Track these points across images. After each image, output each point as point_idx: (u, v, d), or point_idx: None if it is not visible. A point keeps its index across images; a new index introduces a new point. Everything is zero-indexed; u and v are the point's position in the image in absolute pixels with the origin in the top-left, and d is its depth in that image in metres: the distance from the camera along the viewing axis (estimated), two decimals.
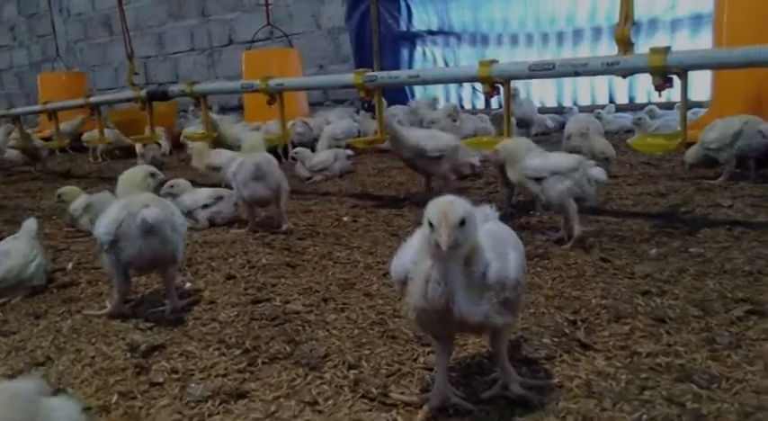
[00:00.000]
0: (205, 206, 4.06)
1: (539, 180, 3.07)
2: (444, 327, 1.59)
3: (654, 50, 3.13)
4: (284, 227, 3.80)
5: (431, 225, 1.43)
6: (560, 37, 8.29)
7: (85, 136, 8.42)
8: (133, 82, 6.31)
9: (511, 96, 3.85)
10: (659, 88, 3.16)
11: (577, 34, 8.16)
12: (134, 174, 2.72)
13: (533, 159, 3.12)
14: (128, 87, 6.53)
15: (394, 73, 4.49)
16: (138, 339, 2.23)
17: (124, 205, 2.45)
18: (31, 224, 3.12)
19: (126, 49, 7.01)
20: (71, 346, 2.30)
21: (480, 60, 3.68)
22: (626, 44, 3.33)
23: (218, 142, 6.12)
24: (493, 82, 3.63)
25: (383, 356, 2.02)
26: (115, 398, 1.88)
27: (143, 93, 5.84)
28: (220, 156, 4.93)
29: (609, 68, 3.31)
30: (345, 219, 4.04)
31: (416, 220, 3.76)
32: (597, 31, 8.00)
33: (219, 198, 4.08)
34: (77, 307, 2.73)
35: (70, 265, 3.37)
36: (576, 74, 3.44)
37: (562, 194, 3.02)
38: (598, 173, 3.09)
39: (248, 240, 3.65)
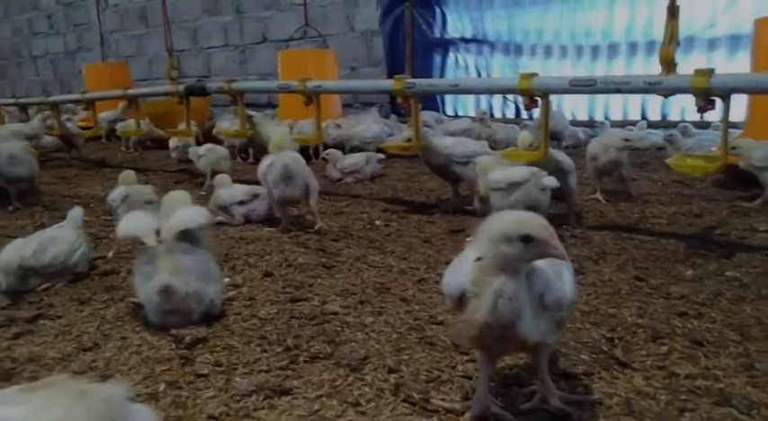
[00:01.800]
0: (241, 202, 4.12)
1: (496, 190, 3.45)
2: (501, 345, 1.62)
3: (698, 72, 3.13)
4: (317, 226, 3.87)
5: (526, 239, 1.46)
6: (595, 50, 8.25)
7: (120, 126, 8.57)
8: (172, 76, 6.42)
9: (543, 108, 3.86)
10: (702, 110, 3.17)
11: (612, 49, 8.12)
12: (179, 197, 2.77)
13: (495, 172, 3.49)
14: (164, 80, 6.65)
15: (433, 81, 4.55)
16: (183, 331, 2.29)
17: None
18: (76, 213, 3.22)
19: (166, 43, 7.14)
20: (117, 334, 2.38)
21: (521, 73, 3.71)
22: (669, 64, 3.34)
23: (253, 140, 6.21)
24: (532, 95, 3.66)
25: (422, 362, 2.06)
26: (162, 386, 1.94)
27: (181, 87, 5.93)
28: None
29: (651, 87, 3.32)
30: (378, 222, 4.09)
31: (448, 228, 3.85)
32: (633, 47, 7.96)
33: (255, 196, 4.15)
34: (120, 295, 2.80)
35: (111, 254, 3.46)
36: (618, 91, 3.45)
37: (507, 205, 3.31)
38: (549, 181, 3.35)
39: (283, 239, 3.71)
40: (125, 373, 2.04)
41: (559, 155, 3.76)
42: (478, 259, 1.56)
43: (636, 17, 7.91)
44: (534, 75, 3.67)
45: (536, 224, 1.51)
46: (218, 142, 7.08)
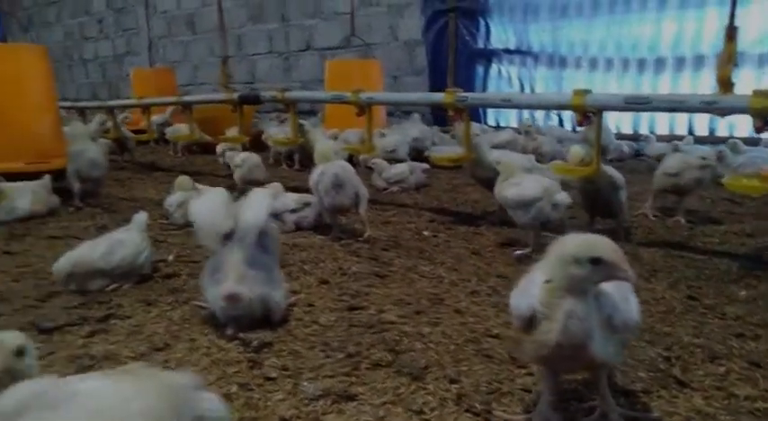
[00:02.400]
0: (293, 210, 4.24)
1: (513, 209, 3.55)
2: (569, 364, 1.68)
3: (756, 93, 3.13)
4: (366, 235, 3.96)
5: (595, 261, 1.53)
6: (641, 64, 8.21)
7: (169, 131, 8.82)
8: (227, 84, 6.61)
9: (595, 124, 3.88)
10: (759, 131, 3.16)
11: (659, 63, 8.07)
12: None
13: (509, 188, 3.54)
14: (208, 86, 6.86)
15: (485, 95, 4.64)
16: (250, 335, 2.39)
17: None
18: (141, 217, 3.36)
19: (223, 52, 7.36)
20: (185, 335, 2.49)
21: (575, 89, 3.74)
22: (726, 84, 3.34)
23: (302, 147, 6.35)
24: (585, 111, 3.69)
25: (481, 374, 2.12)
26: (235, 388, 2.04)
27: (235, 95, 6.10)
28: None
29: (707, 107, 3.33)
30: (426, 233, 4.16)
31: (496, 240, 3.90)
32: (680, 61, 7.89)
33: (307, 204, 4.26)
34: (184, 298, 2.92)
35: (171, 257, 3.60)
36: (673, 110, 3.48)
37: (527, 222, 3.49)
38: (562, 198, 3.43)
39: (334, 247, 3.80)
40: (198, 374, 2.14)
41: (611, 170, 3.78)
42: (547, 281, 1.62)
43: (684, 31, 7.84)
44: (588, 91, 3.70)
45: (606, 247, 1.57)
46: (265, 148, 7.26)
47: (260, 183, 5.31)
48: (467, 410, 1.89)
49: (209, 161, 7.91)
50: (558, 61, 8.96)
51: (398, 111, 10.53)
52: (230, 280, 2.46)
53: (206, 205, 2.70)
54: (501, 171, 3.72)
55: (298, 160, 7.14)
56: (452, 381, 2.06)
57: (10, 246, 3.95)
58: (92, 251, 3.05)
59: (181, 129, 8.41)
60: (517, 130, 7.56)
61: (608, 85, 8.38)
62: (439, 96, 4.50)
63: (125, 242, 3.14)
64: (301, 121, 6.24)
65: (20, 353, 1.35)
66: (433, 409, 1.90)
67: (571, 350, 1.57)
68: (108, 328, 2.59)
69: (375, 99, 5.01)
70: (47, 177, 4.83)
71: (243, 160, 5.59)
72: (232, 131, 7.42)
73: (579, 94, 3.67)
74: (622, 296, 1.64)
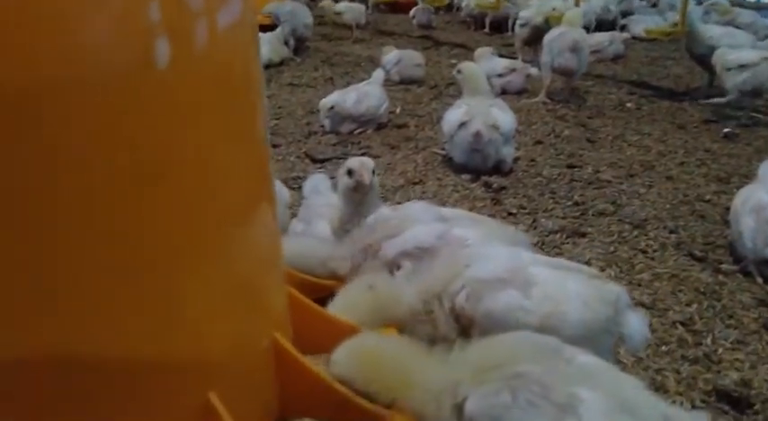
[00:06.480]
0: (500, 75, 4.54)
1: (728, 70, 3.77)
2: None
3: None
4: (567, 97, 4.29)
5: None
6: None
7: None
8: None
9: None
10: None
11: None
12: (477, 73, 3.22)
13: (729, 53, 3.79)
14: None
15: None
16: (490, 179, 2.88)
17: (467, 111, 2.97)
18: (379, 74, 3.89)
19: None
20: (432, 175, 3.03)
21: None
22: None
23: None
24: None
25: (696, 229, 2.46)
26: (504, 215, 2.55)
27: None
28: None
29: None
30: (629, 105, 4.32)
31: (701, 117, 4.02)
32: None
33: (513, 70, 4.54)
34: (421, 145, 3.45)
35: (398, 110, 4.12)
36: None
37: (739, 85, 3.70)
38: None
39: (541, 111, 4.11)
40: (452, 203, 2.68)
41: None
42: None
43: None
44: None
45: None
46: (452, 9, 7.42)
47: (361, 27, 6.92)
48: (686, 254, 2.26)
49: (400, 20, 8.23)
50: None
51: None
52: (478, 122, 2.92)
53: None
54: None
55: (488, 24, 7.28)
56: (671, 232, 2.43)
57: None
58: (344, 99, 3.63)
59: None
60: None
61: None
62: None
63: (369, 94, 3.69)
64: None
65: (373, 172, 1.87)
66: (655, 251, 2.30)
67: None
68: None
69: None
70: (279, 29, 5.47)
71: (347, 7, 6.91)
72: None
73: None
74: None
